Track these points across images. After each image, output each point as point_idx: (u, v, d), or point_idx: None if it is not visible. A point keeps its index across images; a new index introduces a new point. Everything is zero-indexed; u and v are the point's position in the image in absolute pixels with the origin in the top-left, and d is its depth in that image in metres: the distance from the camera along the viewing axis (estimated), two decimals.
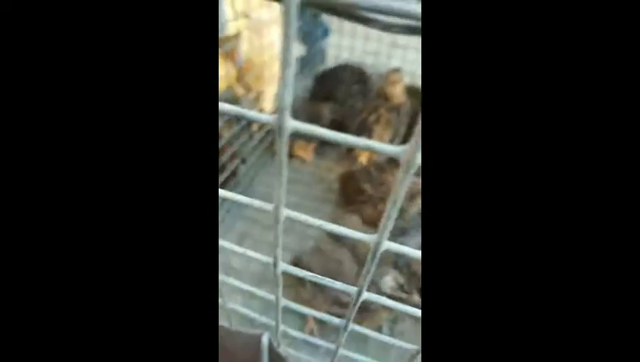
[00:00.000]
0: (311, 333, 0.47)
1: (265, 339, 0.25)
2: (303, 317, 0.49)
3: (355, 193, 0.57)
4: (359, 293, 0.16)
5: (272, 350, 0.25)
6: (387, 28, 0.11)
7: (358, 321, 0.42)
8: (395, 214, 0.12)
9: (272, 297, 0.20)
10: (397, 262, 0.47)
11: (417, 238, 0.51)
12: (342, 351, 0.23)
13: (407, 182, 0.11)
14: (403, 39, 0.81)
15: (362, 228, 0.54)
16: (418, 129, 0.10)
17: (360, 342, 0.47)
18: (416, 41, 0.81)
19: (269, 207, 0.14)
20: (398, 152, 0.11)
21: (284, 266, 0.17)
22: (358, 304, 0.16)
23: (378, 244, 0.13)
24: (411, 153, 0.10)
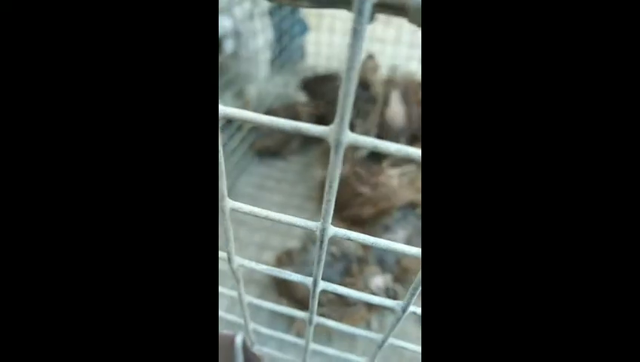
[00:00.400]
0: (298, 334, 0.46)
1: (239, 339, 0.25)
2: (291, 319, 0.48)
3: (352, 197, 0.55)
4: (315, 283, 0.15)
5: (246, 350, 0.25)
6: (315, 3, 0.11)
7: (339, 317, 0.41)
8: (333, 197, 0.12)
9: (268, 304, 0.20)
10: (385, 263, 0.47)
11: (400, 234, 0.50)
12: (327, 350, 0.22)
13: (339, 163, 0.11)
14: (381, 33, 0.81)
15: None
16: (342, 106, 0.10)
17: (348, 340, 0.47)
18: (393, 34, 0.80)
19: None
20: (325, 132, 0.10)
21: (239, 261, 0.16)
22: (317, 294, 0.16)
23: (323, 231, 0.13)
24: (338, 132, 0.10)
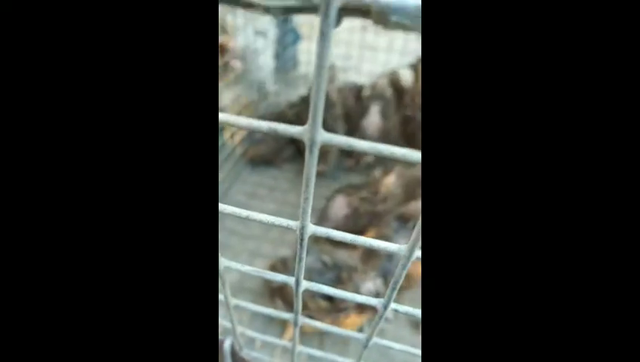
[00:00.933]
0: (290, 339, 0.46)
1: (227, 344, 0.25)
2: (284, 325, 0.48)
3: (371, 220, 0.55)
4: (297, 283, 0.16)
5: (235, 354, 0.25)
6: (267, 10, 0.11)
7: (330, 324, 0.41)
8: (310, 195, 0.12)
9: (253, 306, 0.20)
10: (389, 274, 0.47)
11: (399, 243, 0.50)
12: (315, 352, 0.22)
13: (314, 161, 0.11)
14: (371, 41, 0.83)
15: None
16: (314, 105, 0.10)
17: (340, 345, 0.46)
18: (385, 42, 0.82)
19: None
20: (300, 131, 0.11)
21: (225, 262, 0.17)
22: (300, 294, 0.16)
23: (303, 229, 0.13)
24: (311, 131, 0.10)
